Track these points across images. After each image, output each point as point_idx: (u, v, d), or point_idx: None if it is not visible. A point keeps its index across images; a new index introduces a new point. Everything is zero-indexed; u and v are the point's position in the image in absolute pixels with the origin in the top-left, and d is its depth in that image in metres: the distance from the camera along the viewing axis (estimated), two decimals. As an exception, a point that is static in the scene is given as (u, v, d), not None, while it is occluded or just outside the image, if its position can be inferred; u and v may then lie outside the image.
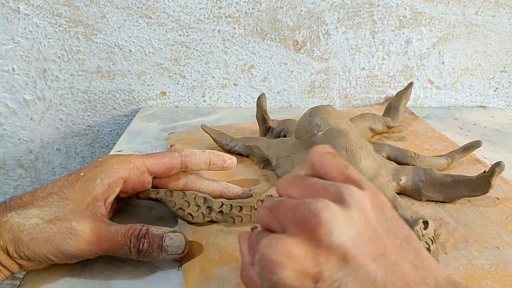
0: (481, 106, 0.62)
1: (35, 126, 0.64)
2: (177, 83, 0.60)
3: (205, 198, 0.33)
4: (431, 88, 0.60)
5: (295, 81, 0.60)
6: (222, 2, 0.54)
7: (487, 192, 0.34)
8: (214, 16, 0.55)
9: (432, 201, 0.37)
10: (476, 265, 0.29)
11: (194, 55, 0.58)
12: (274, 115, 0.58)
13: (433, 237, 0.30)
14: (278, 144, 0.42)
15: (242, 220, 0.34)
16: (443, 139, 0.49)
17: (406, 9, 0.54)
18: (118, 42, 0.57)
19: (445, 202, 0.36)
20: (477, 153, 0.47)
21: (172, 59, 0.58)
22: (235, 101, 0.62)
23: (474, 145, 0.41)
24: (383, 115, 0.51)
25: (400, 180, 0.37)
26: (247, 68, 0.59)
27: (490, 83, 0.60)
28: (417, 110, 0.60)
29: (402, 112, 0.51)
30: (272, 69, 0.59)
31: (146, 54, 0.58)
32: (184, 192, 0.33)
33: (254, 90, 0.61)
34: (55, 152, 0.67)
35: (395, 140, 0.49)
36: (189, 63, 0.58)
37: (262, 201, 0.34)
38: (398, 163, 0.40)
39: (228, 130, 0.51)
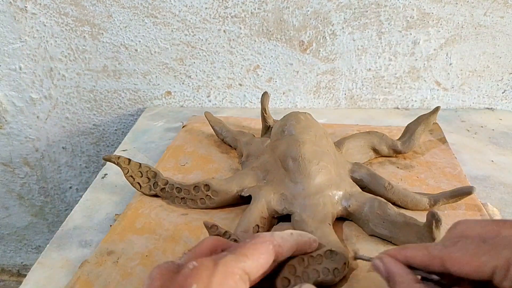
0: (488, 108, 0.61)
1: (42, 124, 0.64)
2: (183, 83, 0.60)
3: (156, 173, 0.37)
4: (438, 90, 0.60)
5: (301, 81, 0.60)
6: (228, 2, 0.54)
7: (430, 241, 0.30)
8: (220, 16, 0.55)
9: (378, 237, 0.33)
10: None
11: (200, 55, 0.58)
12: (279, 116, 0.58)
13: (336, 270, 0.27)
14: (258, 143, 0.42)
15: (181, 203, 0.37)
16: (458, 178, 0.41)
17: (413, 9, 0.54)
18: (124, 42, 0.57)
19: (391, 243, 0.33)
20: (484, 157, 0.47)
21: (178, 59, 0.58)
22: (240, 101, 0.62)
23: (465, 192, 0.35)
24: (400, 137, 0.45)
25: (349, 206, 0.34)
26: (252, 68, 0.59)
27: (498, 85, 0.60)
28: (424, 112, 0.59)
29: (417, 138, 0.44)
30: (277, 70, 0.59)
31: (151, 54, 0.58)
32: (140, 164, 0.38)
33: (259, 90, 0.60)
34: (61, 151, 0.67)
35: (398, 167, 0.43)
36: (194, 63, 0.58)
37: (197, 186, 0.36)
38: (370, 190, 0.37)
39: (234, 124, 0.53)
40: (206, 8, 0.54)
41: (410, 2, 0.53)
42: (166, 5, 0.54)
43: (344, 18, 0.55)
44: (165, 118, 0.58)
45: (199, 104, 0.62)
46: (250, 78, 0.60)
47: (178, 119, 0.58)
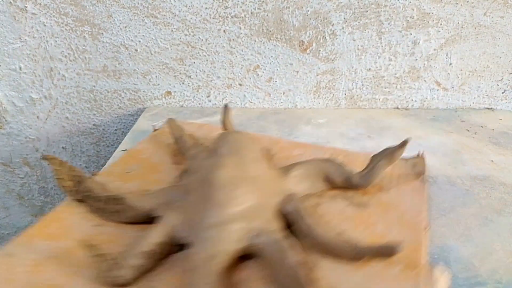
0: (488, 108, 0.61)
1: (41, 124, 0.64)
2: (183, 83, 0.60)
3: (81, 179, 0.35)
4: (438, 90, 0.60)
5: (301, 81, 0.60)
6: (228, 2, 0.54)
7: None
8: (220, 16, 0.55)
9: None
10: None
11: (200, 55, 0.58)
12: (279, 116, 0.58)
13: None
14: (200, 159, 0.38)
15: (96, 213, 0.34)
16: (414, 228, 0.33)
17: (413, 9, 0.54)
18: (124, 42, 0.57)
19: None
20: (484, 157, 0.47)
21: (178, 59, 0.58)
22: (240, 101, 0.62)
23: (386, 253, 0.29)
24: (363, 169, 0.38)
25: (259, 244, 0.29)
26: (252, 68, 0.59)
27: (498, 85, 0.60)
28: (424, 112, 0.60)
29: (377, 173, 0.37)
30: (277, 70, 0.59)
31: (151, 54, 0.58)
32: (70, 167, 0.35)
33: (259, 90, 0.60)
34: (61, 151, 0.67)
35: (350, 205, 0.35)
36: (194, 63, 0.58)
37: (109, 199, 0.32)
38: (296, 228, 0.32)
39: (205, 133, 0.47)
40: (206, 8, 0.54)
41: (410, 2, 0.53)
42: (166, 5, 0.54)
43: (344, 18, 0.55)
44: (165, 118, 0.58)
45: (199, 104, 0.62)
46: (250, 78, 0.60)
47: (178, 119, 0.58)
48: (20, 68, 0.59)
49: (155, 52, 0.57)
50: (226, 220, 0.29)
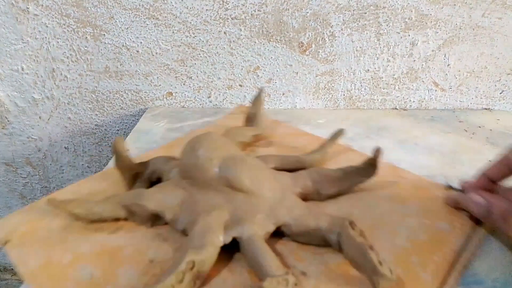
0: (486, 109, 0.62)
1: (44, 125, 0.65)
2: (184, 84, 0.61)
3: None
4: (436, 91, 0.60)
5: (300, 82, 0.60)
6: (228, 4, 0.54)
7: (374, 175, 0.37)
8: (220, 18, 0.55)
9: (332, 197, 0.37)
10: (397, 245, 0.31)
11: (201, 56, 0.58)
12: (278, 116, 0.59)
13: None
14: (160, 193, 0.34)
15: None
16: (304, 134, 0.51)
17: (411, 11, 0.54)
18: (125, 43, 0.57)
19: (343, 194, 0.37)
20: (482, 157, 0.47)
21: (179, 60, 0.59)
22: (241, 102, 0.62)
23: (338, 133, 0.44)
24: (245, 126, 0.49)
25: (301, 187, 0.36)
26: (252, 69, 0.59)
27: (496, 86, 0.60)
28: (422, 112, 0.60)
29: (263, 119, 0.49)
30: (277, 71, 0.59)
31: (153, 55, 0.58)
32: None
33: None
34: (63, 151, 0.68)
35: (265, 147, 0.47)
36: (195, 64, 0.59)
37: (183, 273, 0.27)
38: (288, 170, 0.39)
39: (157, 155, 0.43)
40: (206, 10, 0.55)
41: (409, 3, 0.54)
42: (167, 7, 0.55)
43: (343, 20, 0.55)
44: (167, 119, 0.59)
45: (200, 104, 0.63)
46: (250, 79, 0.60)
47: (179, 119, 0.58)
48: (23, 69, 0.59)
49: (156, 53, 0.58)
50: (265, 208, 0.32)
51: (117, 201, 0.34)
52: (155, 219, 0.34)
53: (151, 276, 0.29)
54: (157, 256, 0.31)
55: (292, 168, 0.40)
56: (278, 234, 0.32)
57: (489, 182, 0.35)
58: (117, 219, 0.34)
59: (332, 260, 0.30)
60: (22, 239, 0.33)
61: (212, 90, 0.61)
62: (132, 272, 0.29)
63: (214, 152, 0.34)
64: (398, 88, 0.60)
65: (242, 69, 0.59)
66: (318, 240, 0.31)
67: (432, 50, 0.57)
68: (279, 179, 0.36)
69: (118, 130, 0.65)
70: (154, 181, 0.38)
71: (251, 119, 0.49)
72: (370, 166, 0.36)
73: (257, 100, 0.49)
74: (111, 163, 0.46)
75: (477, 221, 0.34)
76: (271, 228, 0.31)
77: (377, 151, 0.36)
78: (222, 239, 0.29)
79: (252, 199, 0.32)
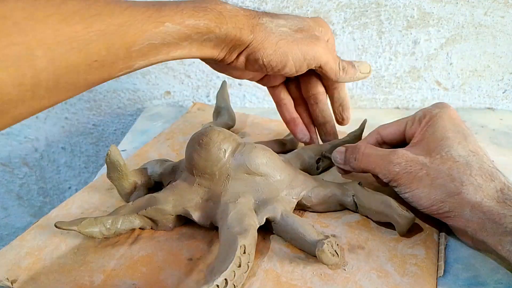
0: (489, 108, 0.61)
1: (41, 124, 0.64)
2: (182, 83, 0.60)
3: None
4: (438, 90, 0.60)
5: (301, 81, 0.59)
6: (227, 1, 0.53)
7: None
8: (219, 16, 0.54)
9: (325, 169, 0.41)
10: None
11: (199, 55, 0.58)
12: (279, 115, 0.58)
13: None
14: (175, 194, 0.34)
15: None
16: (272, 121, 0.53)
17: (413, 9, 0.54)
18: (123, 41, 0.57)
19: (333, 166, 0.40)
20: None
21: (177, 59, 0.58)
22: (240, 101, 0.62)
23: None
24: (215, 120, 0.49)
25: (301, 164, 0.39)
26: (252, 68, 0.59)
27: (498, 85, 0.59)
28: (424, 111, 0.59)
29: (232, 111, 0.50)
30: (277, 69, 0.58)
31: (151, 53, 0.57)
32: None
33: (259, 90, 0.60)
34: (60, 151, 0.67)
35: (242, 137, 0.46)
36: (194, 62, 0.58)
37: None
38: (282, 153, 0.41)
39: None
40: (205, 7, 0.54)
41: (411, 1, 0.53)
42: (165, 4, 0.54)
43: (344, 18, 0.54)
44: (165, 118, 0.58)
45: (199, 104, 0.62)
46: (249, 78, 0.59)
47: (177, 119, 0.58)
48: (19, 68, 0.59)
49: (154, 51, 0.57)
50: (283, 186, 0.34)
51: (130, 211, 0.33)
52: (177, 221, 0.34)
53: (198, 272, 0.30)
54: (193, 254, 0.31)
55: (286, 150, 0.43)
56: (296, 209, 0.36)
57: (380, 142, 0.37)
58: (131, 231, 0.34)
59: (351, 219, 0.35)
60: (32, 273, 0.30)
61: (210, 89, 0.61)
62: (176, 273, 0.29)
63: (223, 143, 0.33)
64: (401, 87, 0.59)
65: (241, 68, 0.58)
66: (335, 206, 0.35)
67: (435, 49, 0.56)
68: (285, 159, 0.38)
69: (115, 130, 0.65)
70: (151, 187, 0.38)
71: (220, 113, 0.49)
72: (355, 138, 0.42)
73: (222, 93, 0.50)
74: (100, 173, 0.45)
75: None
76: (294, 203, 0.34)
77: (363, 124, 0.43)
78: (257, 221, 0.31)
79: (270, 180, 0.34)
